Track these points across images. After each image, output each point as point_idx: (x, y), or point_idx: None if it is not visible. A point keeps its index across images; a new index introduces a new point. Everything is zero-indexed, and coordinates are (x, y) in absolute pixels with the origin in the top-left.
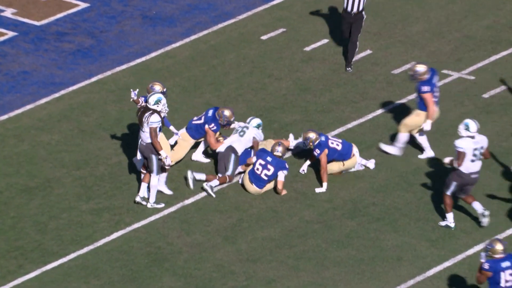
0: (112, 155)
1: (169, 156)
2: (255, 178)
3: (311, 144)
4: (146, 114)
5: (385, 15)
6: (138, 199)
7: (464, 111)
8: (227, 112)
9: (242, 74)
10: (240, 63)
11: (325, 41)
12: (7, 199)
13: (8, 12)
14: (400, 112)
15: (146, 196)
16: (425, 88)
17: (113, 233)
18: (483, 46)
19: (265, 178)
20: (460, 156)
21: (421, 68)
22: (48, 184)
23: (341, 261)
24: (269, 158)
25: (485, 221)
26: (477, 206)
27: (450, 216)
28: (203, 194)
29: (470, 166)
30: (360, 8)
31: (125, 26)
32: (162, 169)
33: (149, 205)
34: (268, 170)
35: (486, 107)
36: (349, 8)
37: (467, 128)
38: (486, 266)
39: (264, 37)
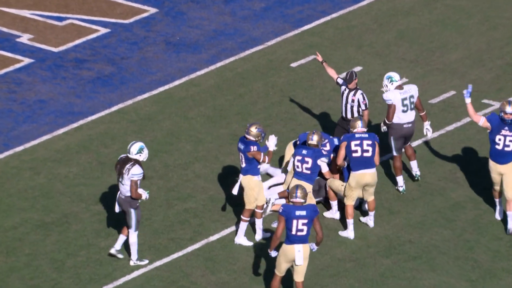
0: None
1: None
2: (299, 175)
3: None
4: (127, 165)
5: (422, 42)
6: (112, 251)
7: None
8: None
9: (271, 104)
10: (268, 91)
11: (358, 68)
12: (22, 235)
13: (25, 38)
14: (438, 144)
15: (119, 248)
16: None
17: (133, 271)
18: None
19: (308, 172)
20: (390, 109)
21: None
22: (65, 220)
23: None
24: (304, 151)
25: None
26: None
27: (400, 179)
28: (229, 230)
29: (402, 117)
30: (355, 115)
31: (147, 52)
32: (257, 214)
33: (131, 263)
34: (307, 163)
35: None
36: (343, 114)
37: (391, 80)
38: (281, 209)
39: (294, 65)
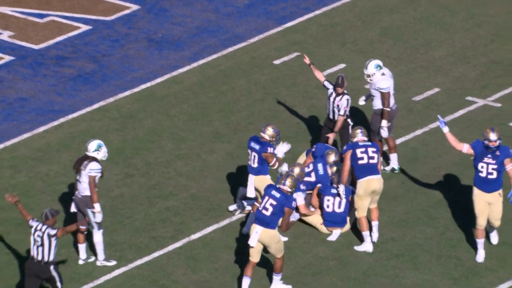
0: (114, 187)
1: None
2: None
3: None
4: (85, 162)
5: (406, 39)
6: (81, 262)
7: None
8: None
9: (253, 101)
10: (251, 89)
11: (342, 66)
12: (3, 234)
13: (5, 35)
14: (421, 142)
15: (85, 256)
16: None
17: (114, 270)
18: (511, 71)
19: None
20: (386, 96)
21: None
22: None
23: None
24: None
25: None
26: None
27: (394, 156)
28: (211, 228)
29: (391, 100)
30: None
31: (129, 50)
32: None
33: (98, 263)
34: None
35: None
36: (330, 116)
37: (380, 68)
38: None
39: (276, 62)
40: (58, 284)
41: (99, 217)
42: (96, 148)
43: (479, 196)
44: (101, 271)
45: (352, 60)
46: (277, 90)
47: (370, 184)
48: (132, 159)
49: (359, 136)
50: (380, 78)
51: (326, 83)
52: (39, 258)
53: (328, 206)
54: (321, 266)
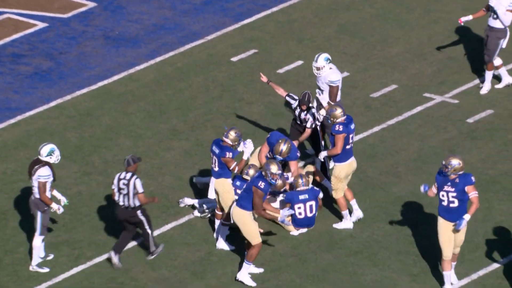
0: (72, 185)
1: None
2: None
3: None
4: (36, 167)
5: (363, 36)
6: (39, 260)
7: (447, 137)
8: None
9: (211, 98)
10: (208, 86)
11: (299, 62)
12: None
13: None
14: (379, 138)
15: (43, 255)
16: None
17: (73, 268)
18: (467, 68)
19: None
20: (335, 91)
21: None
22: (3, 216)
23: None
24: (237, 183)
25: None
26: None
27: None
28: (169, 226)
29: (339, 94)
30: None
31: (85, 47)
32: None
33: (30, 268)
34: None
35: (471, 133)
36: (298, 121)
37: (330, 61)
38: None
39: (234, 59)
40: (147, 227)
41: (60, 211)
42: (49, 153)
43: (443, 226)
44: (59, 269)
45: (310, 57)
46: (235, 87)
47: (351, 165)
48: (90, 157)
49: (342, 116)
50: (329, 71)
51: (288, 98)
52: (126, 204)
53: (300, 214)
54: (280, 263)
